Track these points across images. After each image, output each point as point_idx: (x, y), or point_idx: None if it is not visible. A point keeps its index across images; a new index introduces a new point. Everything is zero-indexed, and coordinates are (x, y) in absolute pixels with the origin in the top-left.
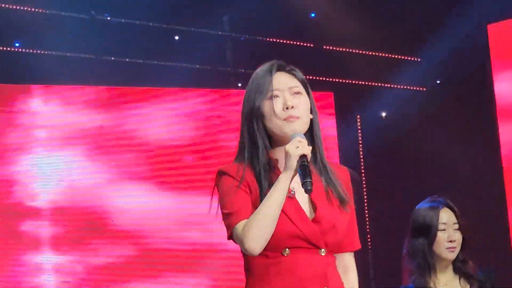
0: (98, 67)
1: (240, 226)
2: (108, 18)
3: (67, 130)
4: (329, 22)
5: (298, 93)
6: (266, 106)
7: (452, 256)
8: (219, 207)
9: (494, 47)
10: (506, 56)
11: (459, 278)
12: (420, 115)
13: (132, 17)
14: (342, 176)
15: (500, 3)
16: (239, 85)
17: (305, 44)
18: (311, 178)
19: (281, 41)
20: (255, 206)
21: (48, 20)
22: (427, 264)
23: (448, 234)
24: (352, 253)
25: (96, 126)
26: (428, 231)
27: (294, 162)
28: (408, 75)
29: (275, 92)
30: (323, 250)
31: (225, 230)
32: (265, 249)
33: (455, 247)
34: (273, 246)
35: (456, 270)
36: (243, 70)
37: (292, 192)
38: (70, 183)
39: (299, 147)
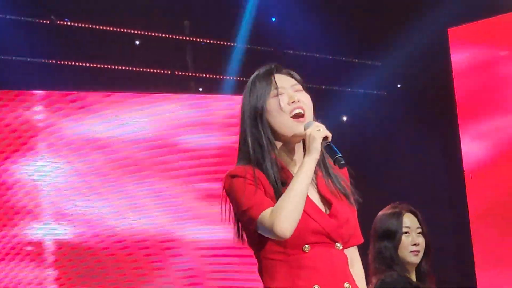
0: (58, 71)
1: (266, 213)
2: (68, 23)
3: (28, 135)
4: (290, 27)
5: (300, 90)
6: (272, 104)
7: (416, 260)
8: (235, 208)
9: (455, 51)
10: (467, 60)
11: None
12: (380, 119)
13: (93, 22)
14: (342, 171)
15: (460, 7)
16: (200, 89)
17: (265, 49)
18: (340, 153)
19: (242, 45)
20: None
21: (8, 25)
22: (392, 268)
23: (412, 238)
24: (356, 247)
25: (55, 129)
26: (392, 236)
27: (318, 144)
28: (369, 79)
29: (279, 90)
30: (339, 244)
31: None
32: (285, 246)
33: (419, 251)
34: (294, 243)
35: (417, 274)
36: (203, 75)
37: None
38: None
39: (320, 130)
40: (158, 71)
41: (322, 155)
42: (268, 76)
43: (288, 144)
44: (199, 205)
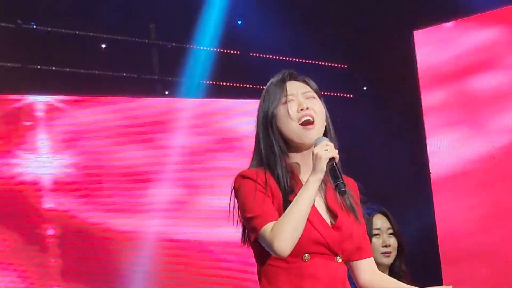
0: (24, 76)
1: (268, 227)
2: (35, 27)
3: None
4: (256, 29)
5: (312, 97)
6: (281, 110)
7: (387, 261)
8: (241, 211)
9: (420, 53)
10: (432, 62)
11: None
12: (347, 122)
13: (59, 26)
14: (351, 187)
15: (426, 9)
16: (166, 93)
17: (232, 52)
18: (343, 180)
19: (208, 48)
20: (278, 212)
21: None
22: None
23: (383, 239)
24: (372, 258)
25: (24, 134)
26: None
27: (324, 165)
28: (335, 82)
29: (289, 97)
30: (339, 257)
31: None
32: None
33: (391, 252)
34: (294, 252)
35: (391, 275)
36: (169, 78)
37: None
38: None
39: (327, 150)
40: (124, 74)
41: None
42: (281, 83)
43: (299, 150)
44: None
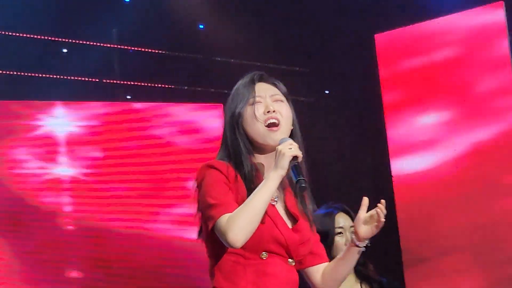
0: None
1: (225, 217)
2: None
3: None
4: (218, 34)
5: (280, 100)
6: (247, 111)
7: None
8: (202, 198)
9: (382, 56)
10: (393, 65)
11: (361, 283)
12: (308, 126)
13: (20, 30)
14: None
15: (387, 12)
16: (128, 97)
17: (193, 56)
18: (304, 177)
19: (170, 53)
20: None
21: None
22: None
23: (346, 238)
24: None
25: None
26: (325, 236)
27: (286, 162)
28: (296, 85)
29: (257, 99)
30: (292, 260)
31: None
32: (244, 249)
33: None
34: (254, 248)
35: (358, 274)
36: (131, 83)
37: (275, 200)
38: None
39: (291, 148)
40: (86, 79)
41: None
42: (249, 84)
43: (264, 151)
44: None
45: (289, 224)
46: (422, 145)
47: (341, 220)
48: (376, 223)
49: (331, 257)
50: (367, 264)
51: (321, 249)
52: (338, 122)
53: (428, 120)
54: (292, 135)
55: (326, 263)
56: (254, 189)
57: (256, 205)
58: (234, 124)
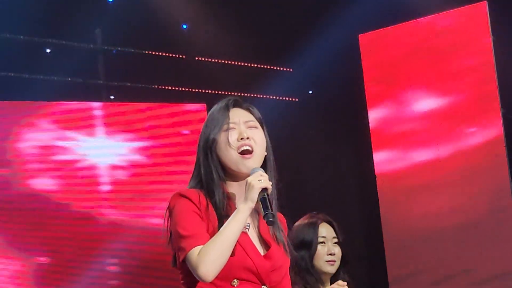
0: None
1: (196, 251)
2: None
3: None
4: (201, 34)
5: (254, 127)
6: (221, 137)
7: (332, 269)
8: (173, 228)
9: (366, 56)
10: (377, 65)
11: None
12: (292, 126)
13: (2, 30)
14: (280, 221)
15: (371, 13)
16: (111, 97)
17: (177, 56)
18: (272, 210)
19: (154, 53)
20: (210, 234)
21: None
22: (308, 278)
23: (328, 248)
24: None
25: None
26: (308, 245)
27: (255, 194)
28: (280, 85)
29: (231, 125)
30: (265, 286)
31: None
32: (215, 277)
33: (335, 261)
34: (224, 276)
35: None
36: (115, 83)
37: (247, 228)
38: None
39: (261, 180)
40: (69, 79)
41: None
42: (224, 110)
43: (237, 179)
44: None
45: (262, 251)
46: (407, 145)
47: (324, 230)
48: None
49: (312, 265)
50: (344, 276)
51: (286, 278)
52: (322, 122)
53: (412, 120)
54: (265, 162)
55: None
56: (225, 217)
57: (226, 238)
58: (208, 150)
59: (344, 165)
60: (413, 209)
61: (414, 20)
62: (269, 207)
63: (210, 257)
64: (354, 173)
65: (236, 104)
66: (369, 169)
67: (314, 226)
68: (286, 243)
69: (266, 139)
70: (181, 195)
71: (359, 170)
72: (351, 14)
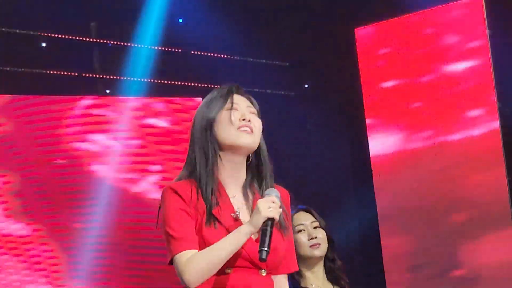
0: None
1: (183, 255)
2: None
3: None
4: (198, 28)
5: (254, 113)
6: (223, 115)
7: (318, 252)
8: (162, 224)
9: (362, 51)
10: (374, 59)
11: (332, 282)
12: (288, 120)
13: None
14: (284, 198)
15: (367, 7)
16: (107, 91)
17: (173, 50)
18: (269, 248)
19: (150, 46)
20: (199, 224)
21: None
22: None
23: (308, 233)
24: (286, 275)
25: None
26: None
27: (260, 222)
28: (276, 79)
29: (234, 105)
30: (263, 270)
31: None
32: None
33: (319, 244)
34: None
35: (328, 270)
36: (110, 77)
37: (236, 213)
38: None
39: (271, 208)
40: (65, 73)
41: (266, 181)
42: (227, 93)
43: (232, 159)
44: None
45: (254, 236)
46: (403, 138)
47: (302, 217)
48: None
49: (298, 256)
50: (335, 259)
51: (289, 256)
52: (317, 116)
53: (408, 113)
54: (259, 150)
55: (283, 275)
56: (215, 205)
57: (218, 254)
58: (207, 127)
59: (340, 159)
60: (409, 201)
61: (411, 14)
62: (266, 243)
63: (198, 269)
64: (350, 166)
65: (238, 91)
66: (365, 163)
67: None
68: (286, 223)
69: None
70: (171, 190)
71: (355, 163)
72: (347, 7)
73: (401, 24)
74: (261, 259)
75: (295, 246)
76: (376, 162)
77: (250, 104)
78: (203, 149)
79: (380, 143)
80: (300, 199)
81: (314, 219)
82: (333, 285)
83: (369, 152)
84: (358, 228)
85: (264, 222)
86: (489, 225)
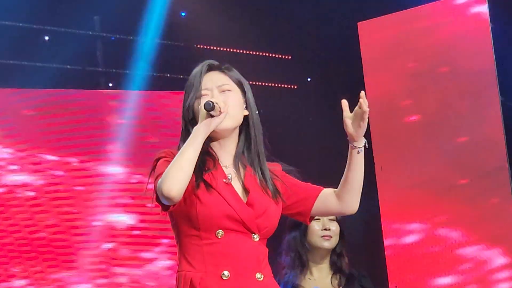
0: None
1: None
2: None
3: None
4: (200, 21)
5: (228, 90)
6: (195, 105)
7: (328, 244)
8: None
9: (365, 44)
10: (376, 53)
11: (332, 275)
12: (290, 113)
13: (1, 18)
14: (275, 171)
15: (370, 0)
16: (110, 85)
17: (176, 43)
18: (213, 103)
19: (152, 40)
20: (191, 187)
21: None
22: (300, 257)
23: (323, 223)
24: (332, 190)
25: None
26: (300, 223)
27: (203, 113)
28: (279, 72)
29: (203, 92)
30: (256, 235)
31: None
32: (199, 229)
33: (331, 236)
34: (207, 227)
35: (332, 265)
36: (113, 70)
37: (228, 178)
38: None
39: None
40: (68, 67)
41: (255, 150)
42: (198, 76)
43: (216, 139)
44: None
45: (245, 198)
46: (404, 132)
47: None
48: (362, 117)
49: (305, 243)
50: (343, 256)
51: (309, 188)
52: (320, 109)
53: (411, 107)
54: (247, 120)
55: (323, 191)
56: (205, 170)
57: (182, 155)
58: (187, 118)
59: (343, 152)
60: (411, 197)
61: (413, 8)
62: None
63: (169, 173)
64: None
65: (210, 69)
66: (367, 156)
67: None
68: (277, 189)
69: (249, 97)
70: (164, 152)
71: None
72: (350, 1)
73: (404, 18)
74: (205, 106)
75: (307, 233)
76: (378, 154)
77: (224, 80)
78: (188, 136)
79: (382, 136)
80: None
81: None
82: (331, 280)
83: (371, 145)
84: (359, 221)
85: (202, 109)
86: (488, 220)
